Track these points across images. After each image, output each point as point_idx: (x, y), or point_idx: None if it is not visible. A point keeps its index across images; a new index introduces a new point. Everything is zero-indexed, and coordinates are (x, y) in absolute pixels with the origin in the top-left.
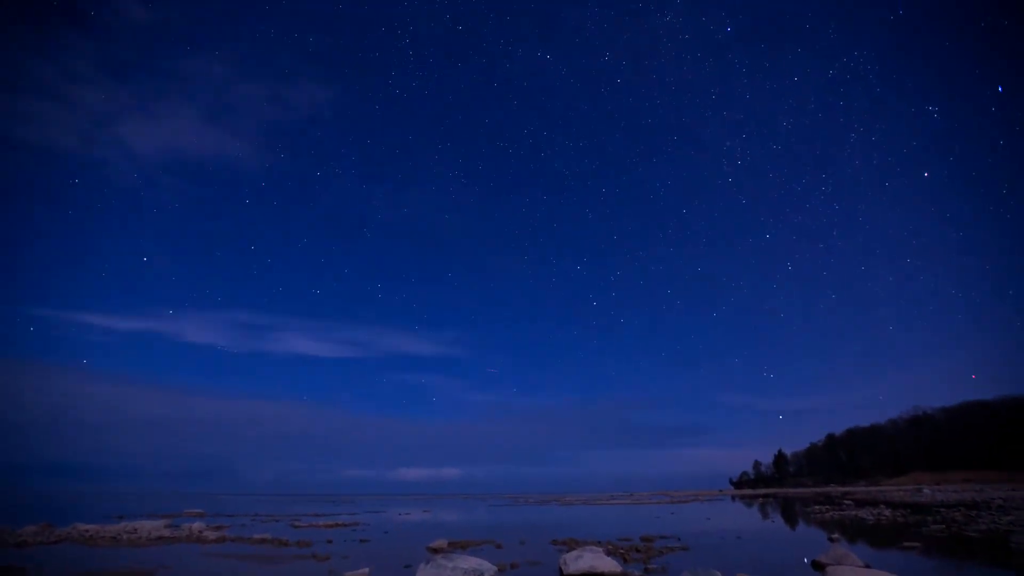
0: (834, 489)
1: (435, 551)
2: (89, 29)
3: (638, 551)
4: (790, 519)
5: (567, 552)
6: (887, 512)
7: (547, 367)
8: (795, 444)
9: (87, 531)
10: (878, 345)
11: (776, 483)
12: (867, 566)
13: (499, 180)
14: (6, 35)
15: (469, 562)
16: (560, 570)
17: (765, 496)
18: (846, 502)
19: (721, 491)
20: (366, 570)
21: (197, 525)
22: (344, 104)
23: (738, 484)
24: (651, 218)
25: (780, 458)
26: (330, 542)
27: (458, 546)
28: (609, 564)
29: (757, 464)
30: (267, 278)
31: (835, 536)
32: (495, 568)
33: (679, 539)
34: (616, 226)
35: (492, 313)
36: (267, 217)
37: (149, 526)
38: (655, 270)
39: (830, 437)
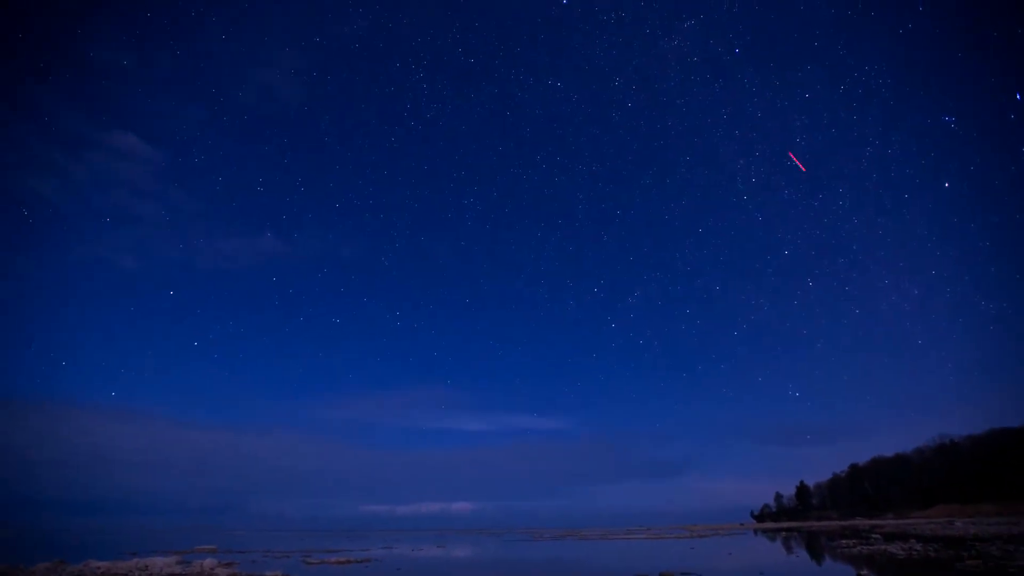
0: (861, 522)
1: None
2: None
3: None
4: (816, 554)
5: None
6: (918, 546)
7: (564, 393)
8: (817, 474)
9: (99, 568)
10: (905, 360)
11: (800, 516)
12: None
13: (514, 206)
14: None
15: None
16: None
17: (788, 530)
18: (874, 536)
19: (742, 524)
20: None
21: (208, 562)
22: (362, 142)
23: (760, 517)
24: (667, 239)
25: (802, 490)
26: None
27: None
28: None
29: (779, 496)
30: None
31: (864, 573)
32: None
33: None
34: (632, 248)
35: (508, 339)
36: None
37: (161, 563)
38: (673, 290)
39: (853, 467)
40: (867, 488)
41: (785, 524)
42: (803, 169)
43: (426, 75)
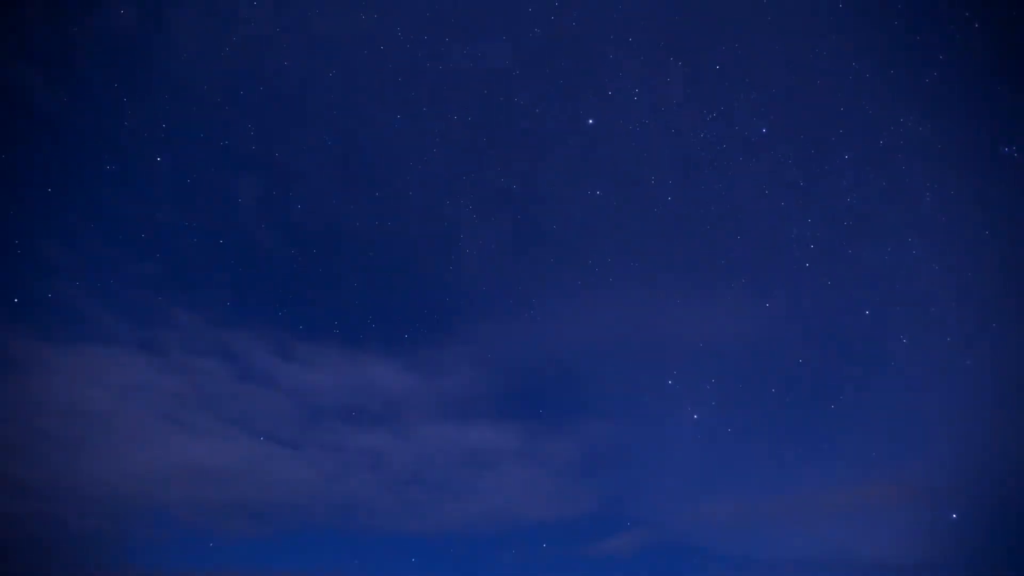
0: None
1: None
2: None
3: None
4: None
5: None
6: None
7: (643, 506)
8: None
9: None
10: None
11: None
12: None
13: (571, 305)
14: None
15: None
16: None
17: None
18: None
19: None
20: None
21: None
22: (415, 263)
23: None
24: (733, 320)
25: None
26: None
27: None
28: None
29: None
30: None
31: None
32: None
33: None
34: (699, 333)
35: (583, 439)
36: None
37: None
38: (755, 367)
39: None
40: None
41: None
42: None
43: (467, 201)
